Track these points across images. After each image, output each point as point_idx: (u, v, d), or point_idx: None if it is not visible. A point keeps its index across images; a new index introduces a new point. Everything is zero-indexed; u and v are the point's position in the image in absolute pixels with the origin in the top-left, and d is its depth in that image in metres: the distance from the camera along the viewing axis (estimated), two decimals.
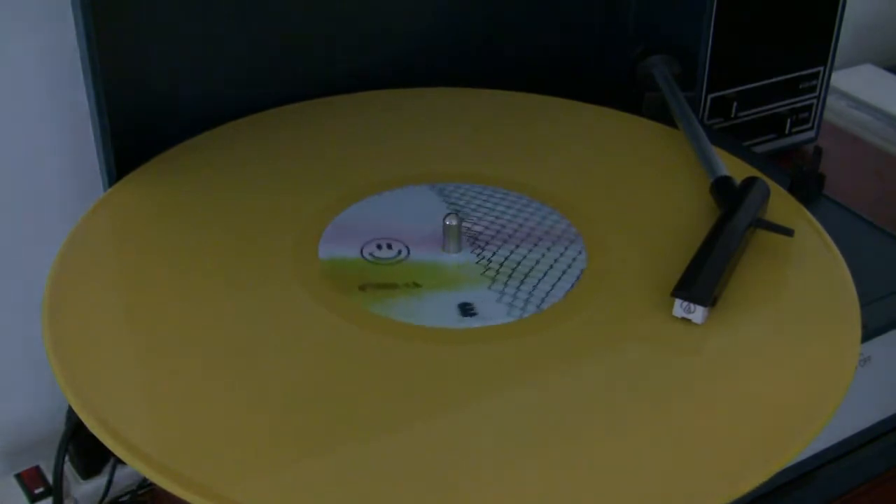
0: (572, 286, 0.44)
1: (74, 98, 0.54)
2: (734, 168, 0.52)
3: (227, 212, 0.49)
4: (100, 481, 0.55)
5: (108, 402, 0.38)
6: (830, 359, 0.41)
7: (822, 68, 0.69)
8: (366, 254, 0.46)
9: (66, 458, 0.55)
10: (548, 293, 0.44)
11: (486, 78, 0.63)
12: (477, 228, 0.48)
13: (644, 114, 0.61)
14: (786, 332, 0.43)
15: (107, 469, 0.56)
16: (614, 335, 0.42)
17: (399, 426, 0.37)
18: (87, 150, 0.53)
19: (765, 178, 0.51)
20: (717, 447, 0.37)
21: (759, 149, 0.69)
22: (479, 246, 0.47)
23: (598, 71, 0.69)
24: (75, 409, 0.37)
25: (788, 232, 0.46)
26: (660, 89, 0.62)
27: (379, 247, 0.46)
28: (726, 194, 0.49)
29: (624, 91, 0.67)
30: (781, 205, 0.50)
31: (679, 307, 0.42)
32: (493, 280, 0.45)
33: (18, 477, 0.56)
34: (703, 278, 0.42)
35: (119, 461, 0.55)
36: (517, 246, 0.47)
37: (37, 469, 0.57)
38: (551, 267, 0.46)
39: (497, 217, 0.49)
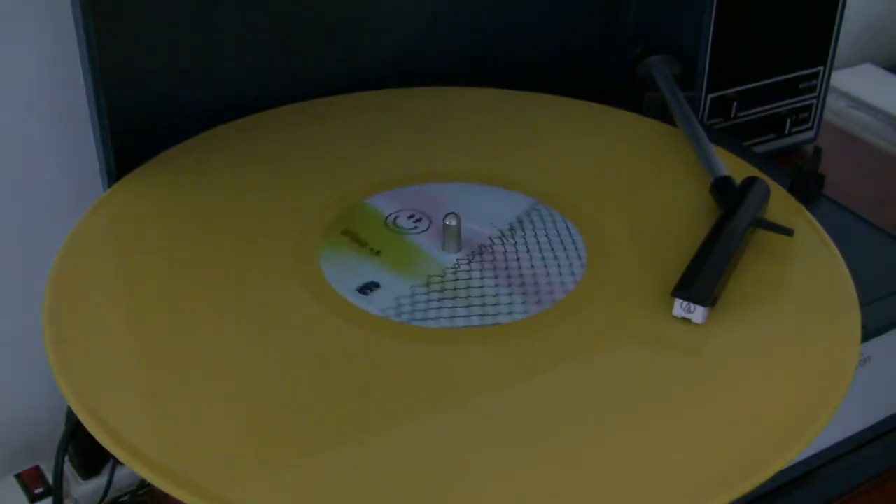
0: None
1: (74, 98, 0.54)
2: (734, 168, 0.52)
3: (226, 212, 0.49)
4: (99, 481, 0.55)
5: (108, 402, 0.37)
6: (830, 359, 0.41)
7: (822, 68, 0.69)
8: (390, 217, 0.48)
9: (66, 458, 0.55)
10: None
11: (486, 78, 0.63)
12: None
13: (644, 114, 0.60)
14: (786, 332, 0.43)
15: (106, 469, 0.56)
16: (614, 335, 0.42)
17: (398, 426, 0.37)
18: (87, 150, 0.53)
19: (765, 177, 0.51)
20: (716, 447, 0.37)
21: (759, 149, 0.69)
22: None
23: (598, 71, 0.69)
24: (74, 409, 0.37)
25: (788, 232, 0.46)
26: (660, 89, 0.62)
27: (410, 217, 0.48)
28: (726, 194, 0.49)
29: (624, 91, 0.67)
30: (781, 205, 0.50)
31: (679, 307, 0.42)
32: (429, 284, 0.44)
33: (18, 477, 0.56)
34: (703, 278, 0.42)
35: (119, 461, 0.55)
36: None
37: (37, 469, 0.57)
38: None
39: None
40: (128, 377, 0.39)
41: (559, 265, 0.46)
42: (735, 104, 0.65)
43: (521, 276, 0.45)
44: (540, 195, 0.51)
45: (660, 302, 0.43)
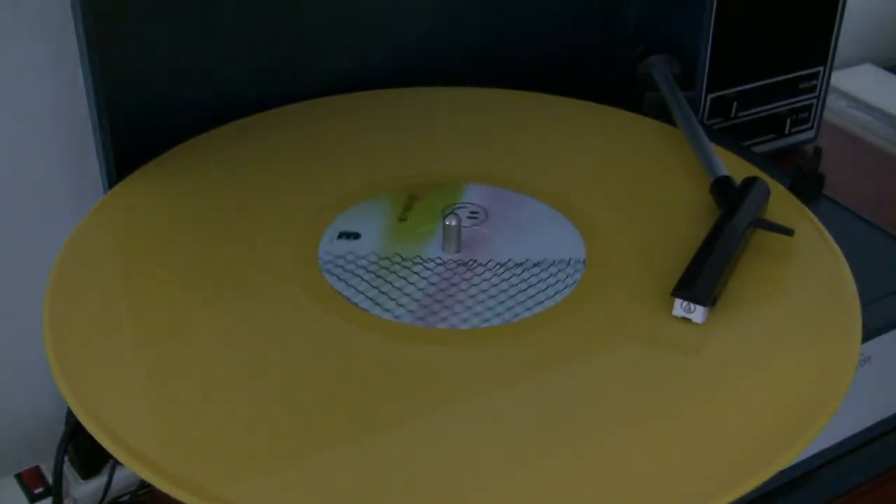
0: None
1: (74, 98, 0.54)
2: (734, 168, 0.52)
3: (227, 212, 0.49)
4: (99, 481, 0.55)
5: (107, 403, 0.38)
6: (830, 359, 0.41)
7: (822, 68, 0.69)
8: (454, 206, 0.49)
9: (66, 458, 0.55)
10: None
11: (486, 78, 0.63)
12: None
13: (644, 114, 0.60)
14: (786, 332, 0.43)
15: (106, 469, 0.56)
16: (614, 335, 0.42)
17: (398, 427, 0.37)
18: (88, 151, 0.53)
19: (765, 177, 0.51)
20: (717, 447, 0.37)
21: (759, 149, 0.69)
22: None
23: (598, 71, 0.69)
24: (74, 410, 0.37)
25: (789, 231, 0.46)
26: (660, 89, 0.62)
27: (470, 215, 0.49)
28: (726, 194, 0.49)
29: (624, 91, 0.67)
30: (782, 204, 0.50)
31: (679, 307, 0.42)
32: (396, 265, 0.46)
33: (18, 477, 0.56)
34: (703, 278, 0.42)
35: (118, 461, 0.55)
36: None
37: (37, 469, 0.57)
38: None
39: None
40: (127, 378, 0.39)
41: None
42: (735, 104, 0.65)
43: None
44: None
45: (660, 302, 0.43)
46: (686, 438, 0.37)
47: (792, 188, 0.54)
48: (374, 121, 0.58)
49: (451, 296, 0.44)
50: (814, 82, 0.69)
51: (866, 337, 0.46)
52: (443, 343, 0.41)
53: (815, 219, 0.49)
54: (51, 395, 0.60)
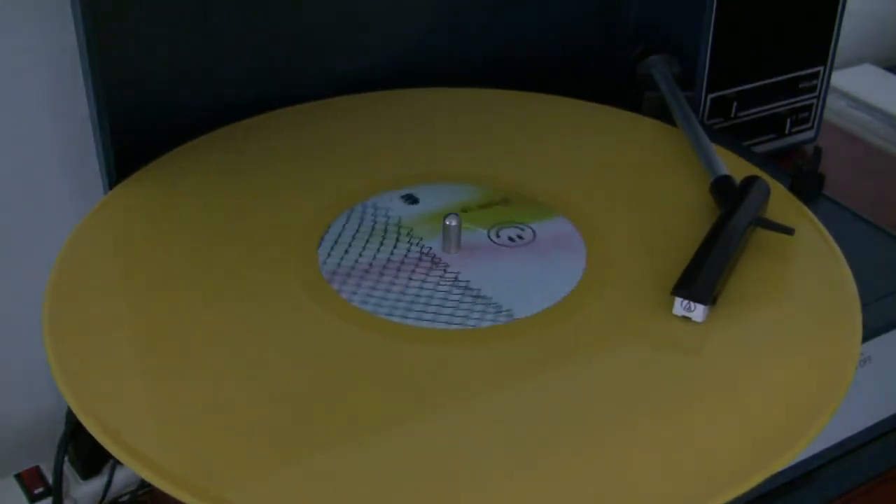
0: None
1: (75, 99, 0.54)
2: (734, 168, 0.52)
3: (227, 213, 0.49)
4: (99, 481, 0.55)
5: (107, 403, 0.38)
6: (830, 359, 0.41)
7: (822, 68, 0.69)
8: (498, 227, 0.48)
9: (66, 458, 0.55)
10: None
11: (486, 78, 0.63)
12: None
13: (644, 114, 0.60)
14: (786, 332, 0.43)
15: (106, 469, 0.56)
16: (614, 334, 0.42)
17: (398, 427, 0.37)
18: (88, 151, 0.53)
19: (765, 176, 0.51)
20: (716, 446, 0.37)
21: (759, 149, 0.69)
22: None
23: (598, 71, 0.69)
24: (74, 409, 0.37)
25: (789, 230, 0.46)
26: (660, 89, 0.62)
27: (511, 238, 0.48)
28: (726, 193, 0.49)
29: (624, 91, 0.67)
30: (782, 204, 0.50)
31: (679, 306, 0.42)
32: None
33: (18, 477, 0.56)
34: (703, 277, 0.42)
35: (119, 461, 0.55)
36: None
37: (37, 469, 0.57)
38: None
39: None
40: (128, 378, 0.39)
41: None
42: (735, 104, 0.65)
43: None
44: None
45: (660, 301, 0.43)
46: (686, 438, 0.37)
47: (792, 188, 0.54)
48: (375, 121, 0.58)
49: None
50: (814, 82, 0.69)
51: (866, 337, 0.46)
52: (442, 343, 0.41)
53: (815, 219, 0.49)
54: (51, 395, 0.61)
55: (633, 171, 0.54)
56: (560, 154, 0.55)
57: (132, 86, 0.53)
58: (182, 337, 0.41)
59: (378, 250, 0.47)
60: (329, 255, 0.46)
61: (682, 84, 0.63)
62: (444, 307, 0.43)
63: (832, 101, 0.82)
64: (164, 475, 0.34)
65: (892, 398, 0.52)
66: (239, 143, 0.55)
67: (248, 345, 0.41)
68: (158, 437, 0.37)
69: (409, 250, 0.47)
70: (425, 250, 0.47)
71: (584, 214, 0.50)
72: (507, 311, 0.43)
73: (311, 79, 0.60)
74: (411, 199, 0.47)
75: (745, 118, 0.67)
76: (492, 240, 0.47)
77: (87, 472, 0.55)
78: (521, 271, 0.45)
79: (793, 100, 0.69)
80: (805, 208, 0.50)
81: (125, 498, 0.56)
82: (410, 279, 0.45)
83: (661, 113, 0.61)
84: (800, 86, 0.69)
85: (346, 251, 0.46)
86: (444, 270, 0.45)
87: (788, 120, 0.69)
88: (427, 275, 0.45)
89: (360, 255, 0.46)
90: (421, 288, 0.44)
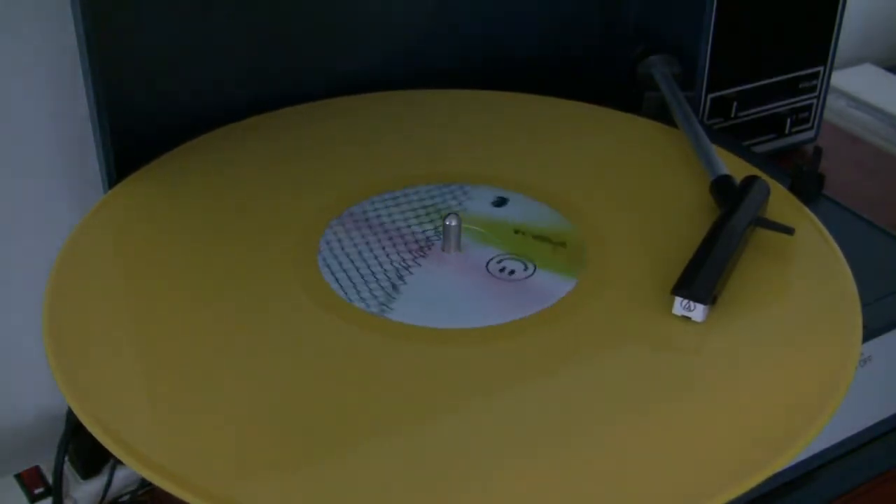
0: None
1: (74, 99, 0.54)
2: (734, 168, 0.52)
3: (226, 213, 0.49)
4: (99, 481, 0.55)
5: (107, 402, 0.38)
6: (830, 359, 0.41)
7: (822, 68, 0.69)
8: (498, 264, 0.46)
9: (66, 458, 0.55)
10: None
11: (486, 79, 0.63)
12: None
13: (644, 114, 0.60)
14: (786, 331, 0.43)
15: (106, 469, 0.56)
16: (614, 334, 0.42)
17: (398, 427, 0.37)
18: (88, 151, 0.53)
19: (765, 176, 0.51)
20: (716, 446, 0.37)
21: (759, 149, 0.69)
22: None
23: (598, 71, 0.69)
24: (74, 409, 0.37)
25: (789, 230, 0.46)
26: (660, 89, 0.62)
27: (509, 272, 0.46)
28: (726, 193, 0.49)
29: (624, 91, 0.67)
30: (782, 204, 0.50)
31: (679, 305, 0.42)
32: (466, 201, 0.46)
33: (18, 477, 0.56)
34: (703, 276, 0.42)
35: (119, 461, 0.55)
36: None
37: (37, 469, 0.57)
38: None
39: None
40: (128, 377, 0.39)
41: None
42: (735, 104, 0.65)
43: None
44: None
45: (660, 300, 0.43)
46: (686, 437, 0.37)
47: (792, 188, 0.54)
48: (375, 122, 0.58)
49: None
50: (814, 82, 0.69)
51: (866, 337, 0.46)
52: (442, 343, 0.41)
53: (816, 219, 0.49)
54: (51, 394, 0.61)
55: (633, 171, 0.54)
56: (560, 155, 0.55)
57: (132, 86, 0.53)
58: (182, 336, 0.41)
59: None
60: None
61: (682, 84, 0.63)
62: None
63: (832, 101, 0.82)
64: (165, 474, 0.34)
65: (892, 398, 0.52)
66: (239, 143, 0.55)
67: (248, 344, 0.41)
68: (158, 437, 0.37)
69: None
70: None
71: (584, 214, 0.50)
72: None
73: (311, 79, 0.60)
74: (501, 202, 0.47)
75: (745, 118, 0.67)
76: (487, 265, 0.46)
77: (87, 472, 0.55)
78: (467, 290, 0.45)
79: (793, 100, 0.69)
80: (805, 208, 0.50)
81: (125, 498, 0.56)
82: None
83: (662, 113, 0.61)
84: (800, 86, 0.69)
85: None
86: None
87: (788, 120, 0.69)
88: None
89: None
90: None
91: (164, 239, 0.47)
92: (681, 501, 0.35)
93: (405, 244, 0.47)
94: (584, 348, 0.41)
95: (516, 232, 0.47)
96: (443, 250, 0.47)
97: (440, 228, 0.47)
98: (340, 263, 0.45)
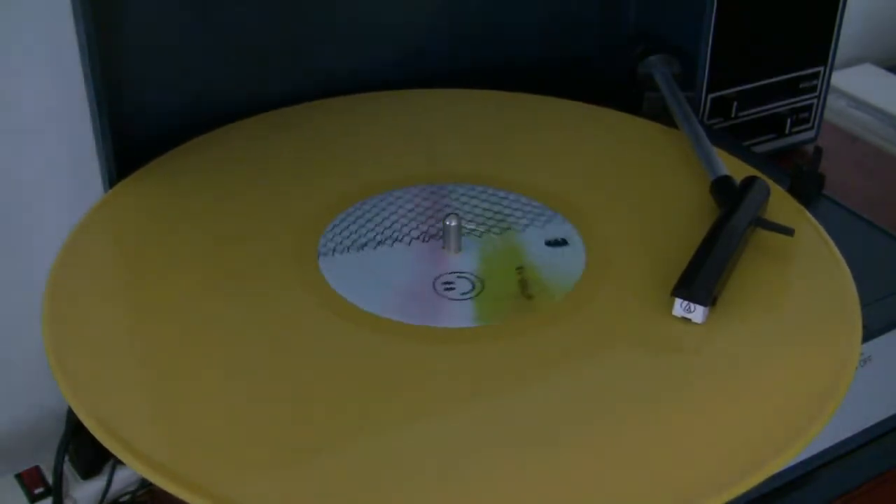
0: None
1: (75, 99, 0.54)
2: (734, 168, 0.52)
3: (226, 213, 0.49)
4: (100, 481, 0.55)
5: (108, 402, 0.38)
6: (830, 359, 0.41)
7: (822, 68, 0.69)
8: (464, 297, 0.44)
9: (66, 458, 0.55)
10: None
11: (486, 79, 0.63)
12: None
13: (644, 114, 0.61)
14: (786, 332, 0.43)
15: (106, 469, 0.56)
16: (614, 335, 0.42)
17: (398, 426, 0.37)
18: (88, 152, 0.53)
19: (764, 177, 0.51)
20: (716, 447, 0.37)
21: (759, 149, 0.69)
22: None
23: (598, 71, 0.69)
24: (74, 409, 0.37)
25: (788, 231, 0.46)
26: (660, 89, 0.62)
27: (451, 287, 0.45)
28: (726, 194, 0.49)
29: (624, 91, 0.67)
30: (781, 205, 0.50)
31: (679, 307, 0.42)
32: (514, 228, 0.47)
33: (18, 477, 0.56)
34: (702, 278, 0.42)
35: (119, 461, 0.55)
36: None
37: (37, 469, 0.57)
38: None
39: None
40: (128, 377, 0.39)
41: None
42: (735, 104, 0.65)
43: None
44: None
45: (660, 301, 0.43)
46: (685, 438, 0.37)
47: (792, 188, 0.54)
48: (375, 122, 0.58)
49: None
50: (814, 82, 0.69)
51: (866, 337, 0.46)
52: (442, 343, 0.41)
53: (814, 220, 0.49)
54: (51, 394, 0.61)
55: (633, 171, 0.54)
56: (560, 154, 0.55)
57: (132, 86, 0.53)
58: (181, 336, 0.41)
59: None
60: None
61: (682, 84, 0.63)
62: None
63: (832, 101, 0.82)
64: (165, 473, 0.34)
65: (893, 398, 0.52)
66: (238, 143, 0.55)
67: (248, 344, 0.41)
68: (159, 436, 0.37)
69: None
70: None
71: (584, 214, 0.50)
72: None
73: (310, 79, 0.60)
74: (558, 243, 0.46)
75: (746, 118, 0.67)
76: (434, 282, 0.45)
77: (87, 472, 0.55)
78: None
79: (793, 100, 0.69)
80: (804, 210, 0.50)
81: (125, 498, 0.56)
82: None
83: (662, 113, 0.61)
84: (800, 86, 0.69)
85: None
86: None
87: (788, 120, 0.69)
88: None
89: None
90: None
91: (163, 238, 0.47)
92: (681, 502, 0.35)
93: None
94: (584, 349, 0.41)
95: (520, 268, 0.45)
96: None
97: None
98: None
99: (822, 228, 0.49)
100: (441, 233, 0.47)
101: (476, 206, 0.50)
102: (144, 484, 0.57)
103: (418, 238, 0.48)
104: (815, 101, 0.70)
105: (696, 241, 0.45)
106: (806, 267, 0.47)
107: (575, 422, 0.38)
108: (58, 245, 0.46)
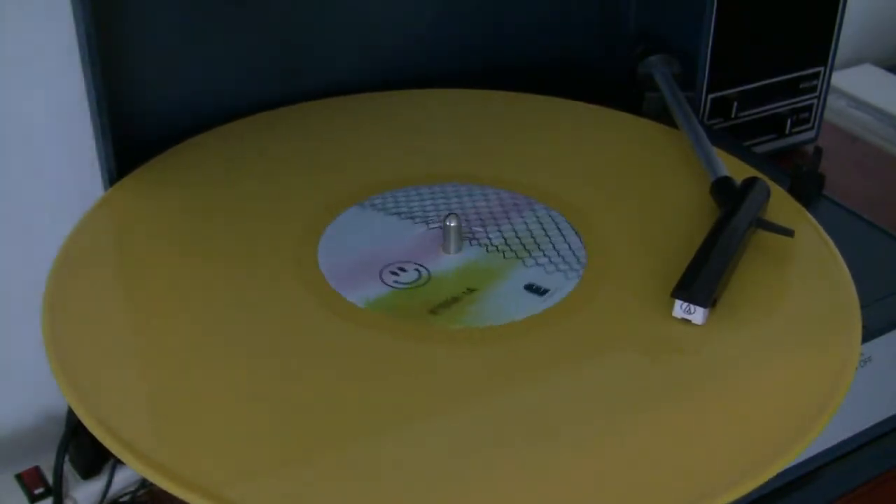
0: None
1: (75, 99, 0.54)
2: (734, 168, 0.52)
3: (227, 212, 0.49)
4: (99, 481, 0.55)
5: (108, 402, 0.38)
6: (831, 359, 0.41)
7: (822, 68, 0.69)
8: (393, 284, 0.44)
9: (66, 458, 0.55)
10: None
11: (485, 78, 0.63)
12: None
13: (644, 114, 0.60)
14: (786, 333, 0.43)
15: (106, 469, 0.56)
16: (614, 336, 0.42)
17: (398, 426, 0.37)
18: (88, 151, 0.53)
19: (765, 178, 0.51)
20: (717, 448, 0.37)
21: (759, 149, 0.69)
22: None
23: (598, 71, 0.69)
24: (74, 409, 0.37)
25: (788, 232, 0.46)
26: (660, 89, 0.62)
27: (395, 273, 0.45)
28: (726, 195, 0.49)
29: (624, 91, 0.67)
30: (781, 205, 0.50)
31: (679, 308, 0.42)
32: (520, 258, 0.45)
33: (18, 477, 0.56)
34: (702, 279, 0.42)
35: (119, 461, 0.55)
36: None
37: (37, 469, 0.57)
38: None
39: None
40: (128, 377, 0.39)
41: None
42: (735, 104, 0.65)
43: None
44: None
45: (660, 302, 0.43)
46: (686, 439, 0.37)
47: (792, 188, 0.54)
48: (375, 122, 0.58)
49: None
50: (814, 82, 0.69)
51: (866, 337, 0.46)
52: (442, 343, 0.41)
53: (814, 220, 0.49)
54: (51, 395, 0.61)
55: (634, 171, 0.54)
56: (560, 155, 0.55)
57: (132, 86, 0.53)
58: (182, 335, 0.41)
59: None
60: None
61: (682, 84, 0.63)
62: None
63: (832, 101, 0.82)
64: (165, 473, 0.34)
65: (892, 398, 0.52)
66: (238, 143, 0.55)
67: (249, 344, 0.41)
68: (158, 436, 0.37)
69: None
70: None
71: (584, 215, 0.50)
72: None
73: (310, 79, 0.60)
74: (539, 291, 0.44)
75: (746, 118, 0.67)
76: (382, 273, 0.45)
77: (87, 472, 0.56)
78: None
79: (793, 100, 0.69)
80: (804, 210, 0.50)
81: (125, 498, 0.56)
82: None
83: (662, 113, 0.61)
84: (800, 86, 0.69)
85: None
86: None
87: (789, 120, 0.69)
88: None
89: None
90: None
91: (163, 237, 0.47)
92: (682, 502, 0.35)
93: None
94: (583, 349, 0.41)
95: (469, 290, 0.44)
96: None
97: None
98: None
99: (822, 228, 0.49)
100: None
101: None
102: (144, 484, 0.57)
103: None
104: (815, 101, 0.70)
105: (696, 241, 0.45)
106: (806, 267, 0.47)
107: (575, 422, 0.38)
108: (58, 244, 0.46)
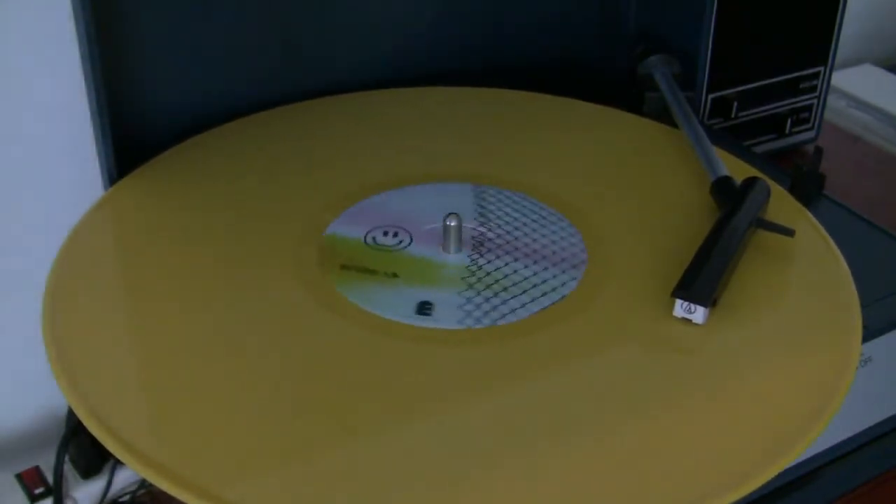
0: (572, 286, 0.44)
1: (75, 98, 0.54)
2: (734, 168, 0.52)
3: (226, 212, 0.49)
4: (99, 481, 0.55)
5: (108, 402, 0.37)
6: (831, 359, 0.41)
7: (822, 68, 0.69)
8: (368, 238, 0.47)
9: (66, 458, 0.55)
10: (547, 293, 0.44)
11: (486, 78, 0.63)
12: (476, 229, 0.48)
13: (644, 114, 0.60)
14: (786, 333, 0.43)
15: (106, 469, 0.56)
16: (614, 335, 0.42)
17: (398, 426, 0.37)
18: (88, 151, 0.53)
19: (765, 178, 0.51)
20: (717, 448, 0.37)
21: (759, 149, 0.69)
22: (479, 248, 0.47)
23: (598, 71, 0.69)
24: (75, 409, 0.37)
25: (789, 232, 0.46)
26: (660, 89, 0.62)
27: (385, 234, 0.47)
28: (727, 194, 0.49)
29: (624, 91, 0.67)
30: (782, 205, 0.50)
31: (679, 307, 0.42)
32: (471, 286, 0.44)
33: (18, 477, 0.56)
34: (703, 279, 0.42)
35: (119, 461, 0.55)
36: (517, 248, 0.47)
37: (37, 469, 0.57)
38: (551, 267, 0.46)
39: (496, 217, 0.49)
40: (128, 377, 0.39)
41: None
42: (735, 104, 0.65)
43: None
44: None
45: (660, 302, 0.43)
46: (686, 439, 0.37)
47: (792, 188, 0.54)
48: (375, 121, 0.58)
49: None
50: (814, 82, 0.69)
51: (866, 337, 0.46)
52: (442, 343, 0.41)
53: (814, 220, 0.49)
54: (51, 394, 0.61)
55: (634, 171, 0.54)
56: (560, 154, 0.55)
57: (132, 86, 0.53)
58: (182, 335, 0.41)
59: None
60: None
61: (682, 84, 0.63)
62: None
63: (832, 101, 0.82)
64: (164, 473, 0.34)
65: (893, 398, 0.52)
66: (238, 142, 0.55)
67: (249, 343, 0.41)
68: (158, 436, 0.37)
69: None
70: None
71: (584, 214, 0.50)
72: None
73: (311, 78, 0.60)
74: (424, 310, 0.43)
75: (746, 118, 0.67)
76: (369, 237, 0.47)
77: (87, 472, 0.55)
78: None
79: (793, 100, 0.69)
80: (805, 210, 0.50)
81: (125, 498, 0.56)
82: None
83: (662, 113, 0.61)
84: (800, 86, 0.69)
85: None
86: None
87: (789, 120, 0.69)
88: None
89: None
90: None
91: (164, 237, 0.47)
92: (681, 502, 0.35)
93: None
94: (584, 349, 0.41)
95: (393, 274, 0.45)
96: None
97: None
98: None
99: (823, 228, 0.49)
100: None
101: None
102: (144, 484, 0.57)
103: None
104: (815, 101, 0.70)
105: (696, 241, 0.45)
106: (806, 267, 0.47)
107: (574, 423, 0.38)
108: (58, 244, 0.45)
